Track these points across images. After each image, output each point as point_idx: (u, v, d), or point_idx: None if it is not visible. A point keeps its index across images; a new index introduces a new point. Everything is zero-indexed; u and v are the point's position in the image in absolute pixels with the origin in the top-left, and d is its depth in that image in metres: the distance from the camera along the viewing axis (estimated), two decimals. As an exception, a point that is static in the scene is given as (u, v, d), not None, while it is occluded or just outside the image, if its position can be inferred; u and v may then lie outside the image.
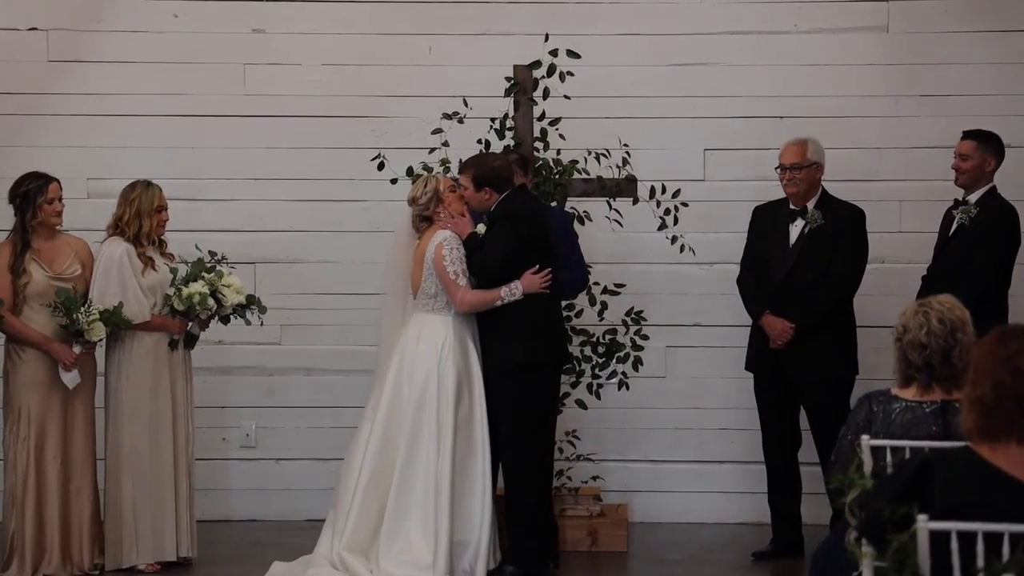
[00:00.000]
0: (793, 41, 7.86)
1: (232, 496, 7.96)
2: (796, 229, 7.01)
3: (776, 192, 7.30)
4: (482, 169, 6.63)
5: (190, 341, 6.93)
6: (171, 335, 6.84)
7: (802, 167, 6.98)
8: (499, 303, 6.56)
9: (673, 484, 7.89)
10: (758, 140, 7.71)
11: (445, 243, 6.58)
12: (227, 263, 6.88)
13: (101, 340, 6.68)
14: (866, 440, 4.45)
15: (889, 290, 7.44)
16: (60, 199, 6.77)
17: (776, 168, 7.06)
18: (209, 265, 6.84)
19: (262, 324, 6.95)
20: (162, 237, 6.90)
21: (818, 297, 6.93)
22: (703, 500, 7.89)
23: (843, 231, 6.96)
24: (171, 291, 6.78)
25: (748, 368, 7.19)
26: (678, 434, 7.92)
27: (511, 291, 6.55)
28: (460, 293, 6.55)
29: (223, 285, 6.81)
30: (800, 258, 6.95)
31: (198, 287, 6.75)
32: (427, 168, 7.11)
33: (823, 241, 6.93)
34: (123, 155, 7.80)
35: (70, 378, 6.66)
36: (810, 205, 7.02)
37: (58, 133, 7.88)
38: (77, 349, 6.64)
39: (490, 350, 6.64)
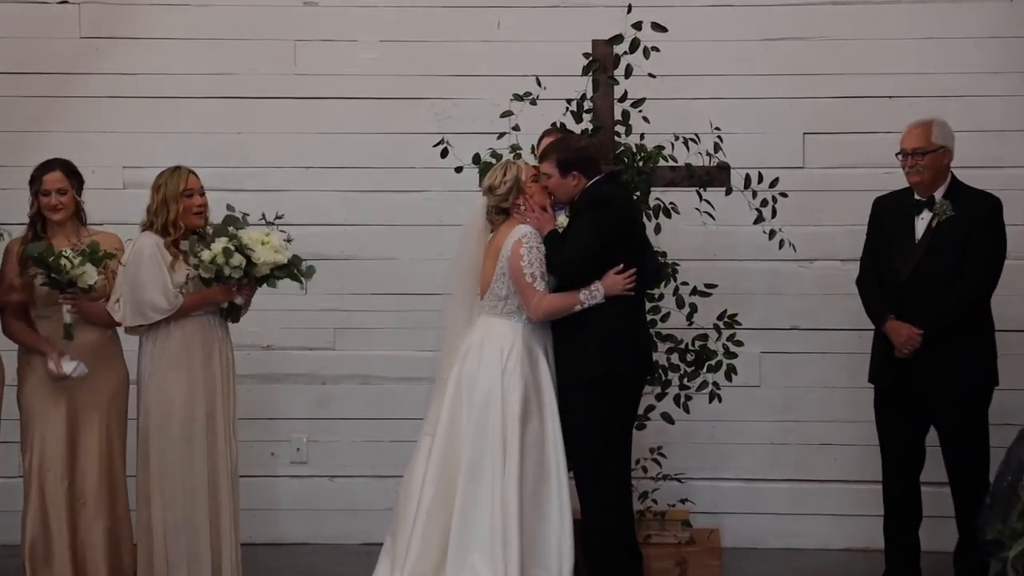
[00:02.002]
0: (903, 11, 7.71)
1: (281, 517, 7.87)
2: (923, 222, 6.76)
3: (885, 181, 7.20)
4: (568, 151, 6.39)
5: (232, 312, 6.63)
6: (218, 305, 6.57)
7: (926, 152, 6.72)
8: (578, 308, 6.28)
9: (769, 505, 7.77)
10: (863, 123, 7.61)
11: (524, 240, 6.30)
12: (278, 222, 6.60)
13: (94, 286, 6.39)
14: (1033, 482, 3.99)
15: (1014, 289, 7.27)
16: (61, 191, 6.60)
17: (897, 154, 6.82)
18: (235, 220, 6.53)
19: (305, 290, 6.69)
20: (197, 228, 6.62)
21: (949, 298, 6.65)
22: (803, 523, 7.74)
23: (977, 223, 6.68)
24: (194, 260, 6.51)
25: (872, 380, 6.92)
26: (774, 450, 7.78)
27: (591, 294, 6.28)
28: (536, 298, 6.27)
29: (251, 239, 6.47)
30: (928, 254, 6.69)
31: (219, 246, 6.46)
32: (496, 155, 6.91)
33: (954, 235, 6.66)
34: (162, 141, 7.71)
35: (72, 367, 6.42)
36: (938, 195, 6.76)
37: (91, 117, 7.81)
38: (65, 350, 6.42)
39: (565, 359, 6.37)
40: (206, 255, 6.43)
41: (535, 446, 6.24)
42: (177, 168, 6.63)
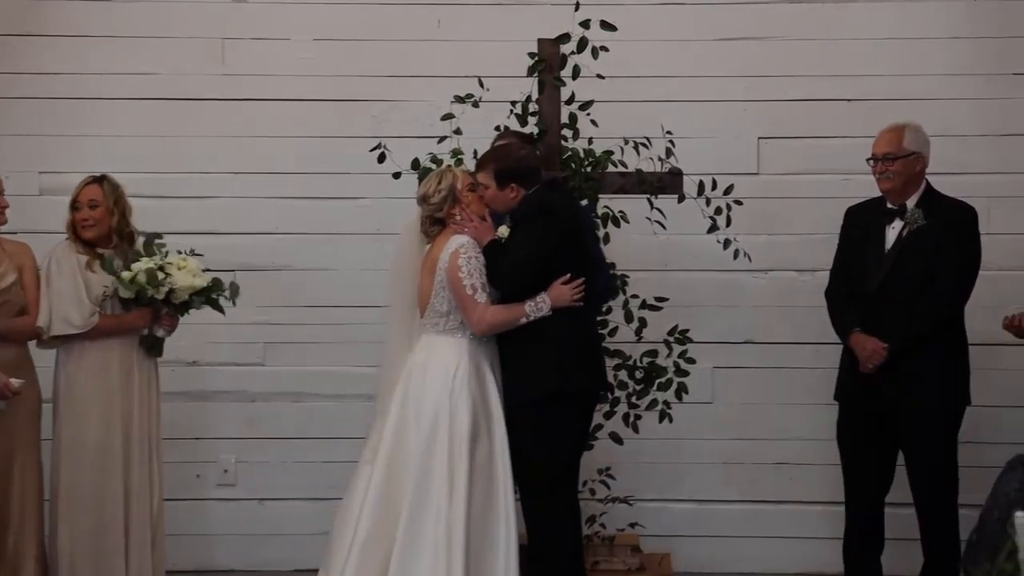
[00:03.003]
0: (863, 11, 7.66)
1: (208, 542, 7.73)
2: (894, 231, 6.66)
3: (843, 188, 7.21)
4: (506, 161, 6.25)
5: (154, 345, 6.53)
6: (137, 332, 6.46)
7: (896, 158, 6.63)
8: (524, 321, 6.11)
9: (723, 528, 7.69)
10: (821, 127, 7.58)
11: (462, 250, 6.13)
12: (193, 253, 6.54)
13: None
14: (1022, 518, 3.79)
15: (976, 302, 6.99)
16: None
17: (868, 159, 6.74)
18: (156, 245, 6.47)
19: (234, 304, 6.61)
20: (89, 238, 6.51)
21: (918, 311, 6.55)
22: (758, 547, 7.65)
23: (950, 233, 6.59)
24: (112, 282, 6.39)
25: (838, 397, 6.83)
26: (728, 470, 7.70)
27: (537, 306, 6.11)
28: (478, 311, 6.10)
29: (167, 263, 6.41)
30: (898, 265, 6.60)
31: (142, 265, 6.35)
32: (436, 160, 6.83)
33: (925, 245, 6.57)
34: (81, 145, 7.61)
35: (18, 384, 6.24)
36: (910, 203, 6.67)
37: (3, 119, 7.68)
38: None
39: (513, 375, 6.20)
40: (127, 274, 6.32)
41: (483, 468, 6.07)
42: (86, 177, 6.56)
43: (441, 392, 6.06)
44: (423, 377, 6.12)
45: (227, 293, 6.54)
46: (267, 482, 7.73)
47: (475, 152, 6.71)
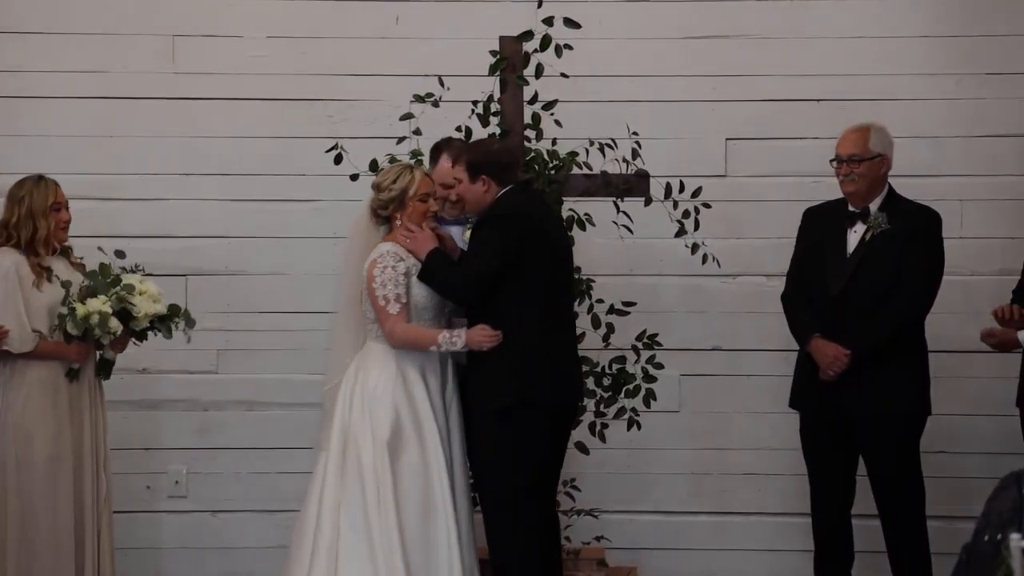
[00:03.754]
0: (833, 9, 7.61)
1: (159, 556, 7.66)
2: (856, 235, 6.65)
3: (813, 191, 7.17)
4: (478, 154, 6.21)
5: (104, 368, 6.46)
6: (69, 364, 6.36)
7: (863, 159, 6.60)
8: (433, 349, 6.07)
9: (691, 540, 7.61)
10: (790, 128, 7.54)
11: (379, 260, 6.10)
12: (142, 272, 6.49)
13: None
14: (1018, 540, 3.65)
15: (946, 307, 7.11)
16: None
17: (831, 160, 6.73)
18: (114, 275, 6.35)
19: (189, 340, 6.60)
20: (65, 243, 6.47)
21: (882, 317, 6.54)
22: (727, 559, 7.61)
23: (914, 237, 6.59)
24: (63, 310, 6.28)
25: (793, 405, 6.82)
26: (695, 480, 7.65)
27: (451, 339, 6.06)
28: (390, 323, 6.06)
29: (135, 293, 6.33)
30: (860, 270, 6.58)
31: (97, 304, 6.24)
32: (394, 161, 6.70)
33: (889, 249, 6.56)
34: (21, 145, 7.53)
35: None
36: (873, 206, 6.65)
37: None
38: None
39: (475, 382, 6.14)
40: (80, 311, 6.21)
41: (414, 477, 6.02)
42: (41, 178, 6.42)
43: (366, 400, 6.06)
44: (353, 385, 6.12)
45: (182, 323, 6.47)
46: (220, 494, 7.65)
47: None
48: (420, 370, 6.11)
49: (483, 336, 6.01)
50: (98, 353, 6.42)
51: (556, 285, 6.16)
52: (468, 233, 6.28)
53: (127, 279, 6.34)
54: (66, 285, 6.28)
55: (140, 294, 6.31)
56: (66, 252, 6.45)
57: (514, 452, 6.04)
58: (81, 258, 6.54)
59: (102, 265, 6.37)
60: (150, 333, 6.45)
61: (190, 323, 6.49)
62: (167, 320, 6.42)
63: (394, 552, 5.93)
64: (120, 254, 6.47)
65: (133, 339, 6.44)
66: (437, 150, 6.56)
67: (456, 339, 6.02)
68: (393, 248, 6.10)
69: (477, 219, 6.17)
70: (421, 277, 6.05)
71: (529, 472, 6.08)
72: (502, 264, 6.02)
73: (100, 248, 6.51)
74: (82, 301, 6.23)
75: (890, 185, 6.68)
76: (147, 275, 6.46)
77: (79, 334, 6.23)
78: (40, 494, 6.24)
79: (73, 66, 7.55)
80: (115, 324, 6.23)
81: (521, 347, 6.04)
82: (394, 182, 6.16)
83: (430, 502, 6.02)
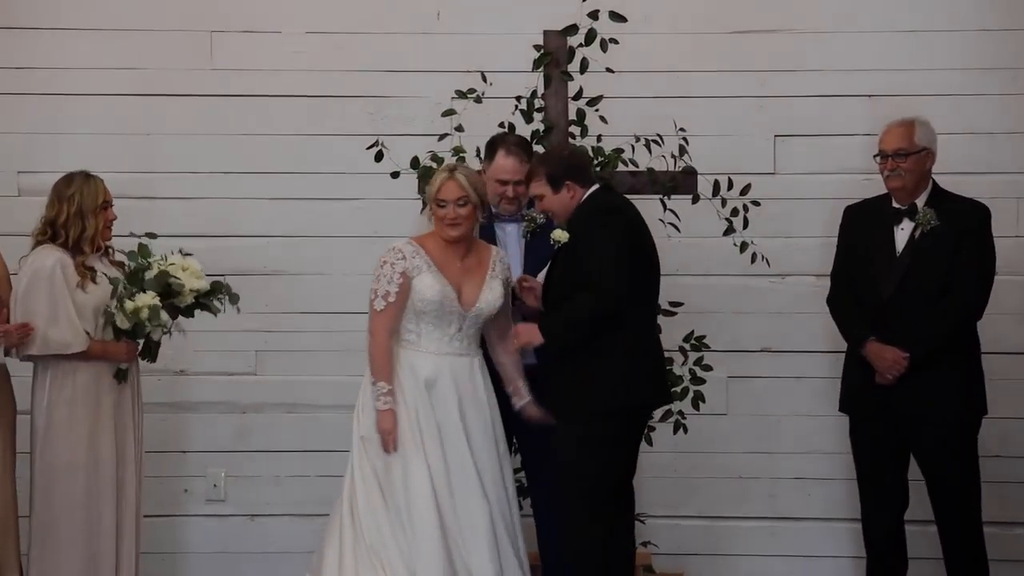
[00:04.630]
0: (884, 2, 7.59)
1: (195, 561, 7.67)
2: (904, 233, 6.58)
3: (864, 188, 7.09)
4: (553, 163, 6.17)
5: (150, 351, 6.40)
6: (118, 364, 6.32)
7: (909, 154, 6.55)
8: (370, 385, 6.14)
9: (738, 546, 7.64)
10: (840, 124, 7.52)
11: (386, 254, 6.19)
12: (184, 253, 6.45)
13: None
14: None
15: (1003, 308, 7.13)
16: None
17: (875, 156, 6.67)
18: (154, 256, 6.36)
19: (238, 311, 6.55)
20: (108, 242, 6.45)
21: (938, 318, 6.47)
22: (776, 566, 7.61)
23: (965, 234, 6.50)
24: (112, 304, 6.24)
25: (844, 408, 6.75)
26: (743, 485, 7.64)
27: (378, 392, 6.10)
28: (374, 322, 6.18)
29: (180, 268, 6.32)
30: (912, 270, 6.51)
31: (147, 298, 6.21)
32: (437, 159, 6.74)
33: (940, 248, 6.49)
34: (61, 143, 7.53)
35: None
36: (919, 202, 6.58)
37: None
38: None
39: (572, 388, 6.06)
40: (130, 306, 6.18)
41: (407, 479, 6.03)
42: (89, 176, 6.41)
43: (364, 398, 6.20)
44: (364, 383, 6.28)
45: (226, 297, 6.45)
46: (258, 498, 7.65)
47: (477, 150, 6.66)
48: (434, 371, 6.08)
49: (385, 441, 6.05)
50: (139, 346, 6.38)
51: (652, 283, 6.17)
52: (525, 227, 6.32)
53: (170, 258, 6.35)
54: (114, 282, 6.25)
55: (183, 270, 6.30)
56: (105, 251, 6.43)
57: (606, 451, 6.01)
58: (120, 256, 6.51)
59: (141, 245, 6.35)
60: (196, 311, 6.43)
61: (233, 299, 6.46)
62: (211, 296, 6.39)
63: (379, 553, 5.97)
64: (152, 236, 6.42)
65: (181, 315, 6.39)
66: (492, 145, 6.52)
67: (385, 397, 6.01)
68: (403, 244, 6.11)
69: (576, 218, 6.08)
70: (571, 344, 5.97)
71: (619, 472, 6.08)
72: (623, 255, 5.98)
73: (132, 233, 6.47)
74: (131, 297, 6.20)
75: (934, 180, 6.62)
76: (187, 255, 6.45)
77: (129, 328, 6.20)
78: (81, 497, 6.21)
79: (110, 63, 7.58)
80: (165, 317, 6.22)
81: (629, 348, 6.01)
82: (429, 183, 6.20)
83: (431, 503, 5.99)
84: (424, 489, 5.99)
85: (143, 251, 6.32)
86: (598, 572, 6.06)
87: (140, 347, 6.36)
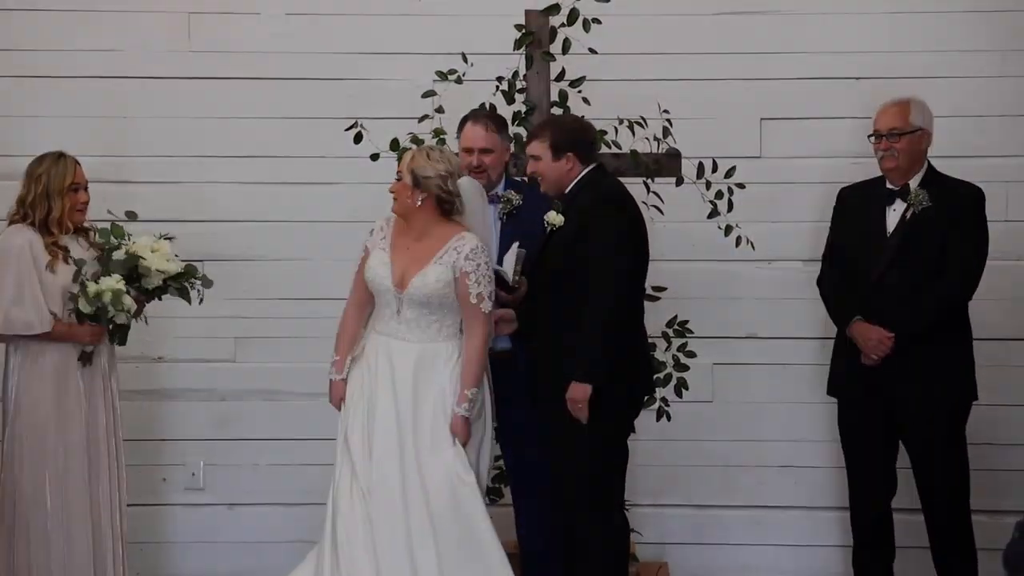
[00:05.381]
0: None
1: (174, 550, 7.67)
2: (895, 214, 6.58)
3: (852, 172, 7.10)
4: (562, 131, 6.10)
5: (118, 333, 6.31)
6: (82, 347, 6.24)
7: (903, 134, 6.55)
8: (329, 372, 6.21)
9: (723, 534, 7.62)
10: (828, 107, 7.48)
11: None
12: (165, 237, 6.40)
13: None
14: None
15: (993, 293, 7.07)
16: None
17: (869, 136, 6.68)
18: (127, 235, 6.30)
19: (201, 301, 6.52)
20: (84, 224, 6.39)
21: (926, 299, 6.46)
22: (761, 555, 7.58)
23: (957, 216, 6.51)
24: (75, 288, 6.18)
25: (831, 392, 6.75)
26: (728, 473, 7.61)
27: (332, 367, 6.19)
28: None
29: (148, 249, 6.26)
30: (902, 250, 6.52)
31: (111, 282, 6.14)
32: (416, 140, 6.76)
33: (932, 229, 6.50)
34: (36, 126, 7.48)
35: None
36: (913, 183, 6.58)
37: None
38: None
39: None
40: (92, 289, 6.11)
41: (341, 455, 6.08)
42: (61, 156, 6.33)
43: None
44: None
45: (199, 282, 6.40)
46: (237, 486, 7.63)
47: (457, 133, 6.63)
48: (374, 350, 6.04)
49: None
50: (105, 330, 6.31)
51: (644, 276, 6.16)
52: (501, 209, 6.31)
53: (141, 239, 6.28)
54: (79, 263, 6.19)
55: (152, 251, 6.24)
56: (85, 232, 6.37)
57: (621, 443, 6.08)
58: (97, 236, 6.46)
59: (114, 224, 6.30)
60: (165, 295, 6.38)
61: (207, 283, 6.41)
62: (182, 279, 6.33)
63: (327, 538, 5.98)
64: (132, 215, 6.38)
65: (147, 298, 6.34)
66: (463, 120, 6.53)
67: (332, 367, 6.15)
68: (383, 218, 6.12)
69: (573, 200, 6.03)
70: (607, 363, 5.90)
71: (622, 460, 6.12)
72: (629, 258, 5.96)
73: (110, 211, 6.43)
74: (95, 280, 6.14)
75: (930, 162, 6.61)
76: (167, 238, 6.40)
77: (91, 312, 6.14)
78: (54, 486, 6.16)
79: (86, 44, 7.54)
80: (129, 302, 6.15)
81: (629, 335, 6.00)
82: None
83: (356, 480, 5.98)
84: (343, 461, 6.01)
85: (115, 230, 6.25)
86: (626, 558, 6.13)
87: (108, 331, 6.29)
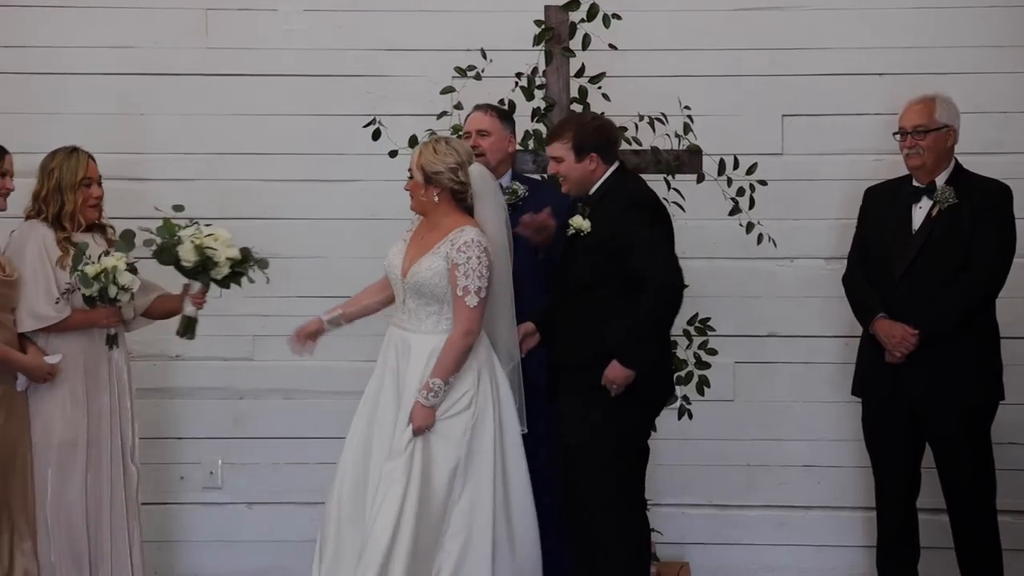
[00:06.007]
0: None
1: (191, 549, 7.65)
2: (921, 212, 6.54)
3: (874, 169, 7.12)
4: (586, 130, 6.05)
5: (188, 328, 6.27)
6: (107, 330, 6.24)
7: (928, 131, 6.51)
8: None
9: (745, 535, 7.61)
10: (851, 104, 7.44)
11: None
12: (197, 222, 6.27)
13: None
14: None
15: (1018, 291, 7.02)
16: None
17: (895, 134, 6.63)
18: (178, 229, 6.15)
19: (268, 281, 6.42)
20: (102, 221, 6.37)
21: (950, 296, 6.40)
22: (783, 554, 7.56)
23: (984, 212, 6.44)
24: (73, 278, 6.12)
25: (856, 392, 6.69)
26: (750, 472, 7.58)
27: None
28: None
29: (213, 239, 6.12)
30: (927, 247, 6.47)
31: (111, 260, 6.06)
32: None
33: (957, 225, 6.44)
34: (52, 123, 7.43)
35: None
36: (939, 181, 6.52)
37: None
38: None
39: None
40: (90, 268, 6.04)
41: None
42: (74, 151, 6.32)
43: None
44: None
45: (257, 265, 6.27)
46: (256, 485, 7.62)
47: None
48: (393, 344, 6.05)
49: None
50: (184, 315, 6.26)
51: None
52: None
53: (196, 230, 6.17)
54: (82, 247, 6.14)
55: (215, 240, 6.14)
56: (102, 229, 6.35)
57: (644, 436, 6.06)
58: (114, 232, 6.43)
59: (166, 221, 6.18)
60: (233, 283, 6.29)
61: (263, 264, 6.30)
62: (245, 264, 6.23)
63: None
64: (179, 208, 6.27)
65: (221, 286, 6.26)
66: (475, 108, 6.56)
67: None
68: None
69: (596, 202, 5.98)
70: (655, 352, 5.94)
71: (643, 459, 6.10)
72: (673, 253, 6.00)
73: (157, 207, 6.35)
74: (96, 261, 6.08)
75: (957, 159, 6.55)
76: (179, 208, 6.33)
77: (94, 295, 6.05)
78: (53, 480, 6.16)
79: (103, 41, 7.56)
80: (128, 279, 6.05)
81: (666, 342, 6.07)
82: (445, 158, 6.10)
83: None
84: (348, 445, 6.08)
85: (168, 227, 6.12)
86: (647, 558, 6.13)
87: (120, 316, 6.25)
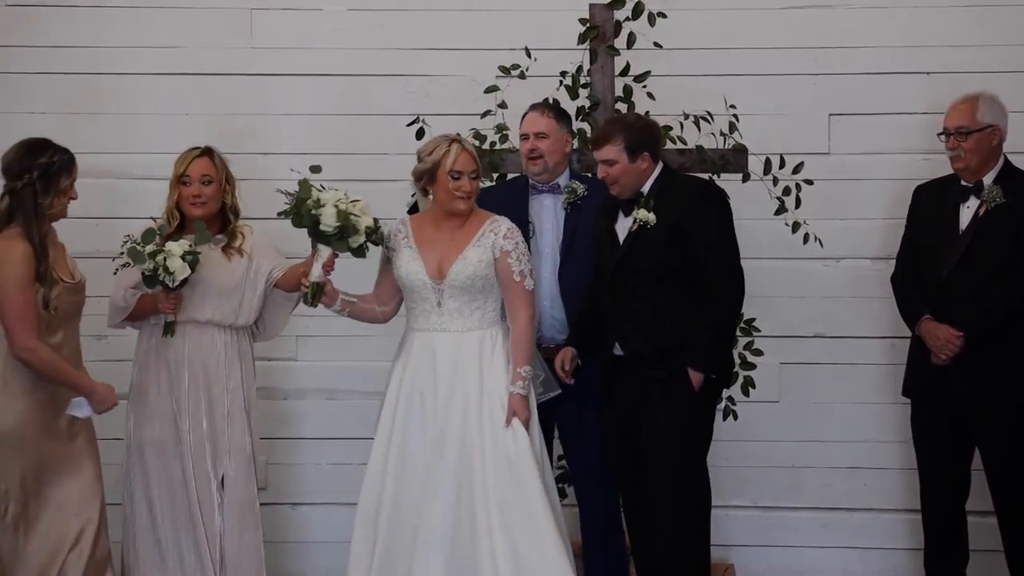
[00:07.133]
0: None
1: None
2: (969, 211, 6.47)
3: (922, 168, 7.10)
4: (634, 131, 6.06)
5: (317, 294, 6.14)
6: (164, 317, 6.26)
7: (971, 132, 6.45)
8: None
9: (790, 537, 7.58)
10: (898, 103, 7.39)
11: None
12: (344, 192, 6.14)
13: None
14: None
15: None
16: None
17: (939, 134, 6.58)
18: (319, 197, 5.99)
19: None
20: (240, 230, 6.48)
21: (996, 296, 6.34)
22: (829, 557, 7.51)
23: None
24: (127, 248, 6.13)
25: (906, 392, 6.65)
26: (796, 474, 7.54)
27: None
28: None
29: (353, 205, 5.98)
30: (973, 247, 6.40)
31: (172, 245, 6.07)
32: (479, 136, 6.78)
33: (1004, 225, 6.37)
34: (97, 123, 7.50)
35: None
36: (987, 180, 6.45)
37: (13, 95, 7.57)
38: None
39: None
40: (148, 248, 6.05)
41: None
42: (191, 149, 6.38)
43: None
44: None
45: (379, 239, 6.18)
46: (299, 486, 7.65)
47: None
48: (415, 347, 6.02)
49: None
50: (312, 282, 6.12)
51: None
52: (565, 199, 6.29)
53: (327, 194, 6.01)
54: (153, 230, 6.13)
55: (355, 201, 6.02)
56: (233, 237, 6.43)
57: (704, 433, 6.12)
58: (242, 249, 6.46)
59: (302, 182, 6.07)
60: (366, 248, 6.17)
61: (379, 239, 6.18)
62: (376, 234, 6.13)
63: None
64: (316, 168, 6.12)
65: (353, 255, 6.14)
66: (532, 108, 6.52)
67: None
68: (397, 222, 6.10)
69: (666, 196, 5.98)
70: (723, 336, 6.04)
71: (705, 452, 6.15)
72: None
73: (293, 169, 6.24)
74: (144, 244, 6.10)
75: (1006, 157, 6.48)
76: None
77: (150, 274, 6.04)
78: (138, 479, 6.27)
79: (147, 42, 7.58)
80: (177, 264, 6.03)
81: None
82: (429, 153, 6.08)
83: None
84: (374, 464, 6.13)
85: (304, 186, 6.01)
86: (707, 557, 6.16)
87: (181, 302, 6.23)
